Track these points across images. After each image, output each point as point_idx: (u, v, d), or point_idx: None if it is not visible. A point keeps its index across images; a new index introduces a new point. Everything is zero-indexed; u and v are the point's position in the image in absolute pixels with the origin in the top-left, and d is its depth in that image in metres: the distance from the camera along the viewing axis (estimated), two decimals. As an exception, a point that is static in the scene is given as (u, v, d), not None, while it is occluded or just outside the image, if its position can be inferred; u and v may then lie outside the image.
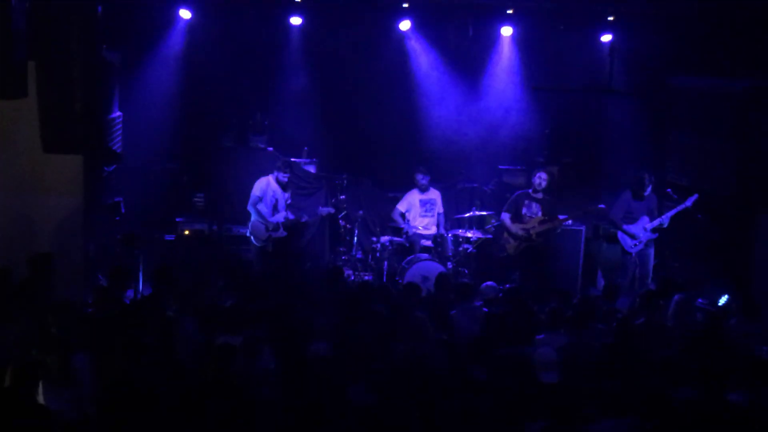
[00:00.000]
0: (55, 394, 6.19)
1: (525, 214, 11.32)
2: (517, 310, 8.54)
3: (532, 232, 11.23)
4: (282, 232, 11.26)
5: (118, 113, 11.47)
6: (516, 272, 11.35)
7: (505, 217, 11.41)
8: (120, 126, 11.48)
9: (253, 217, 11.20)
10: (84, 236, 9.63)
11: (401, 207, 12.08)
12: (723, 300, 10.29)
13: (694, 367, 6.73)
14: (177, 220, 11.82)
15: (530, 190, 11.38)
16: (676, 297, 8.46)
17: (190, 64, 12.56)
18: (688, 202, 10.93)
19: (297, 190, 12.14)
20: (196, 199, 12.15)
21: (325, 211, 11.85)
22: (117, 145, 11.25)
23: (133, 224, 11.19)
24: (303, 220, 11.56)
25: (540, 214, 11.28)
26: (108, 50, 10.50)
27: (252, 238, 11.26)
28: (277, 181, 11.23)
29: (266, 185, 11.21)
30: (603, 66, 12.51)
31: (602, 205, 11.07)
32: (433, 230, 12.06)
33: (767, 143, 10.42)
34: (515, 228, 11.28)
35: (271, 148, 12.60)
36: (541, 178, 11.24)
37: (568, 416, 5.56)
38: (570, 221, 11.57)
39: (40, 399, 6.15)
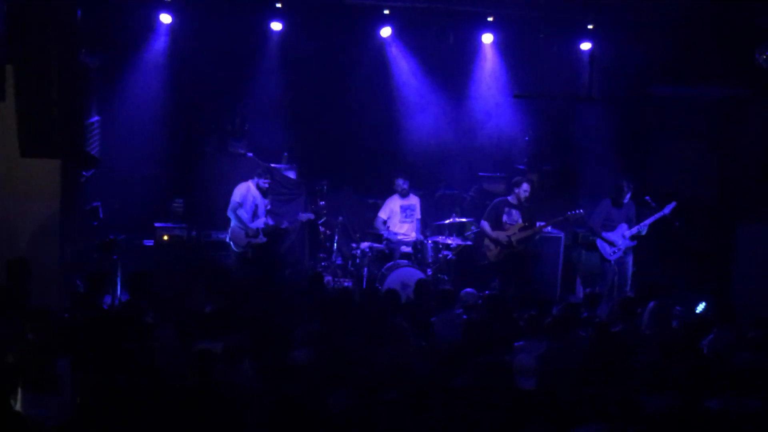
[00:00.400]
0: (36, 400, 6.12)
1: (505, 221, 11.34)
2: (497, 317, 8.55)
3: (513, 239, 11.25)
4: (262, 238, 11.23)
5: (97, 118, 11.40)
6: (497, 279, 11.37)
7: (485, 224, 11.41)
8: (98, 131, 11.40)
9: (233, 223, 11.16)
10: (61, 241, 9.53)
11: (383, 215, 12.10)
12: (700, 307, 10.38)
13: (671, 375, 6.76)
14: (156, 225, 11.74)
15: (511, 198, 11.39)
16: (651, 304, 8.50)
17: (170, 69, 12.50)
18: (666, 210, 11.01)
19: (276, 195, 12.11)
20: (175, 205, 12.08)
21: (305, 216, 11.82)
22: (95, 150, 11.19)
23: (111, 229, 11.13)
24: (283, 226, 11.52)
25: (520, 221, 11.31)
26: (87, 54, 10.43)
27: (231, 243, 11.22)
28: (258, 187, 11.21)
29: (246, 191, 11.18)
30: (583, 74, 12.59)
31: (581, 210, 11.09)
32: (413, 236, 12.07)
33: (746, 152, 10.50)
34: (496, 235, 11.30)
35: (251, 154, 12.56)
36: (525, 190, 11.24)
37: (546, 423, 5.57)
38: (549, 228, 11.61)
39: (18, 406, 6.09)
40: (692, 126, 11.62)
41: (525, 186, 11.28)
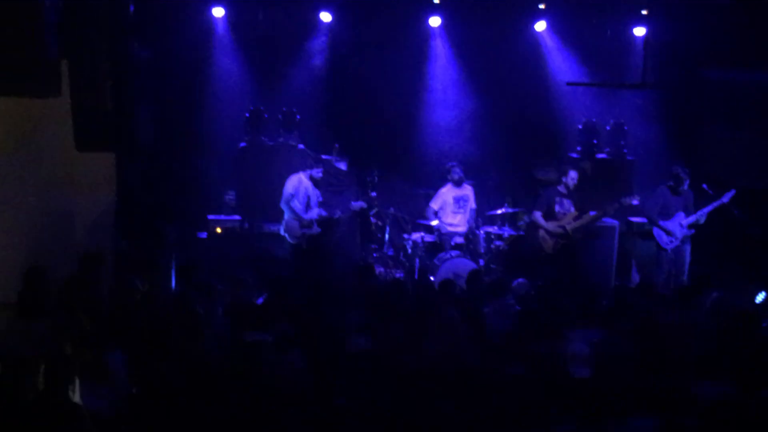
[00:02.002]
0: (93, 391, 6.21)
1: (558, 211, 11.20)
2: (550, 306, 8.44)
3: (568, 228, 11.10)
4: (316, 229, 11.26)
5: (152, 110, 11.52)
6: (552, 269, 11.19)
7: (538, 215, 11.27)
8: (153, 123, 11.52)
9: (287, 215, 11.20)
10: (117, 234, 9.68)
11: (435, 205, 12.02)
12: (760, 297, 10.13)
13: (727, 364, 6.62)
14: (209, 217, 11.84)
15: (561, 187, 11.24)
16: (713, 295, 8.32)
17: (221, 61, 12.60)
18: (725, 198, 10.78)
19: (327, 186, 12.11)
20: (227, 197, 12.17)
21: (357, 205, 11.79)
22: (150, 143, 11.31)
23: (165, 221, 11.24)
24: (336, 216, 11.52)
25: (573, 210, 11.16)
26: (140, 47, 10.54)
27: (287, 235, 11.25)
28: (311, 178, 11.24)
29: (298, 183, 11.22)
30: (636, 60, 12.37)
31: (636, 202, 10.90)
32: (465, 227, 11.99)
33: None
34: (551, 225, 11.16)
35: (302, 146, 12.58)
36: (572, 178, 11.11)
37: (600, 412, 5.49)
38: (605, 216, 11.43)
39: (76, 397, 6.18)
40: (748, 110, 11.34)
41: (572, 174, 11.13)
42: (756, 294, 10.22)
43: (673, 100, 12.63)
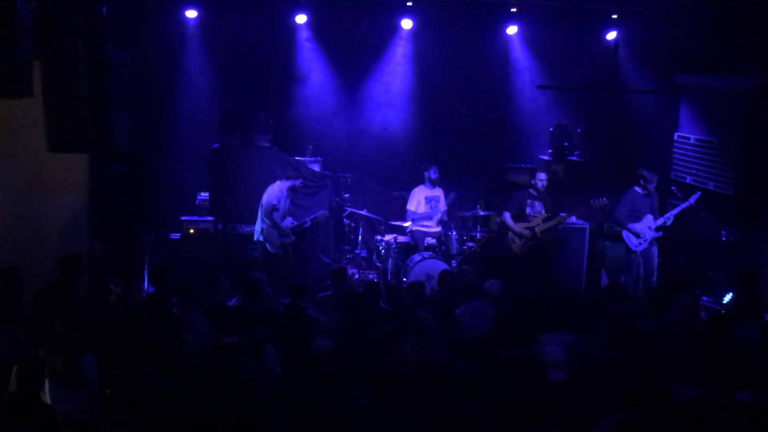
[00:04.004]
0: (64, 395, 6.19)
1: (529, 213, 11.31)
2: (523, 308, 8.54)
3: (537, 230, 11.23)
4: (291, 237, 11.31)
5: (125, 112, 11.47)
6: (522, 271, 11.33)
7: (507, 216, 11.38)
8: (126, 125, 11.47)
9: (266, 224, 11.19)
10: (89, 236, 9.62)
11: (412, 207, 12.08)
12: (727, 298, 10.31)
13: (700, 366, 6.73)
14: (182, 219, 11.82)
15: (531, 190, 11.35)
16: (682, 296, 8.45)
17: (195, 63, 12.57)
18: (691, 200, 10.96)
19: (301, 188, 12.13)
20: (200, 198, 12.15)
21: (321, 215, 11.86)
22: (123, 144, 11.25)
23: (138, 223, 11.20)
24: (306, 225, 11.58)
25: (543, 211, 11.28)
26: (114, 49, 10.50)
27: (267, 244, 11.26)
28: (291, 188, 11.27)
29: (279, 193, 11.22)
30: (609, 64, 12.52)
31: (604, 199, 11.03)
32: (437, 228, 12.07)
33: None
34: (519, 227, 11.27)
35: (276, 148, 12.56)
36: (541, 180, 11.23)
37: (576, 414, 5.57)
38: (574, 218, 11.57)
39: (47, 399, 6.16)
40: (719, 115, 11.49)
41: (541, 176, 11.25)
42: (723, 295, 10.42)
43: (646, 103, 12.78)
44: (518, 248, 11.34)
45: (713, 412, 5.28)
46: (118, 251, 10.52)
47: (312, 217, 11.77)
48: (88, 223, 9.63)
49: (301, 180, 11.41)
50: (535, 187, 11.29)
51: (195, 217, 11.92)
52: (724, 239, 11.27)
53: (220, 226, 12.01)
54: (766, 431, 5.39)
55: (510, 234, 11.38)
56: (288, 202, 11.39)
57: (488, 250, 12.14)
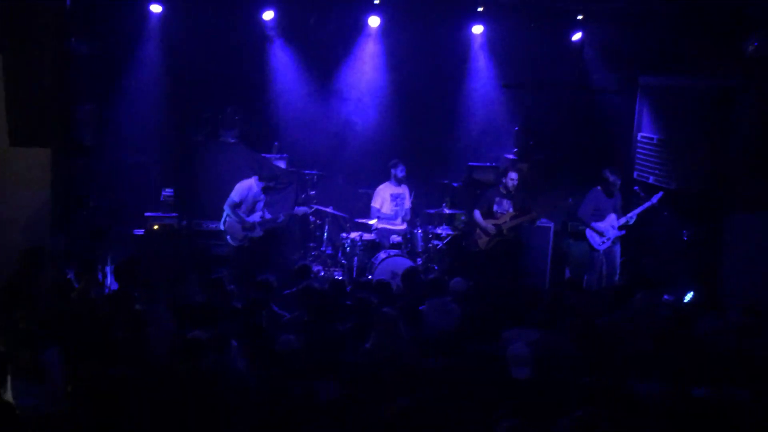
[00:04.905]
0: (27, 389, 6.14)
1: (496, 211, 11.41)
2: (488, 305, 8.59)
3: (503, 227, 11.31)
4: (258, 231, 11.25)
5: (88, 106, 11.36)
6: (487, 267, 11.39)
7: (477, 213, 11.49)
8: (89, 119, 11.36)
9: (230, 217, 11.15)
10: (52, 230, 9.53)
11: (375, 204, 12.10)
12: (689, 296, 10.45)
13: (660, 363, 6.82)
14: (146, 214, 11.73)
15: (500, 188, 11.45)
16: (644, 294, 8.55)
17: (161, 58, 12.46)
18: (654, 200, 11.09)
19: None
20: (165, 194, 12.07)
21: (301, 211, 11.82)
22: (86, 139, 11.15)
23: (101, 218, 11.10)
24: (279, 220, 11.50)
25: (511, 210, 11.37)
26: (77, 43, 10.40)
27: (228, 237, 11.22)
28: (262, 189, 11.24)
29: (248, 191, 11.17)
30: (574, 64, 12.64)
31: (569, 199, 11.15)
32: (403, 226, 12.10)
33: (734, 142, 10.52)
34: (486, 224, 11.37)
35: (242, 144, 12.50)
36: (512, 179, 11.32)
37: (539, 411, 5.61)
38: (541, 217, 11.67)
39: (9, 395, 6.10)
40: (682, 115, 11.64)
41: (512, 175, 11.34)
42: (685, 293, 10.56)
43: (609, 104, 12.92)
44: (484, 244, 11.43)
45: (671, 408, 5.35)
46: (82, 246, 10.44)
47: (287, 213, 11.72)
48: (51, 217, 9.53)
49: (273, 183, 11.38)
50: (505, 185, 11.37)
51: (159, 213, 11.83)
52: (685, 238, 11.42)
53: (184, 222, 11.95)
54: (721, 426, 5.48)
55: (477, 230, 11.48)
56: (262, 196, 11.34)
57: (454, 248, 12.20)
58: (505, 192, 11.40)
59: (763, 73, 10.04)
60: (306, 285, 8.93)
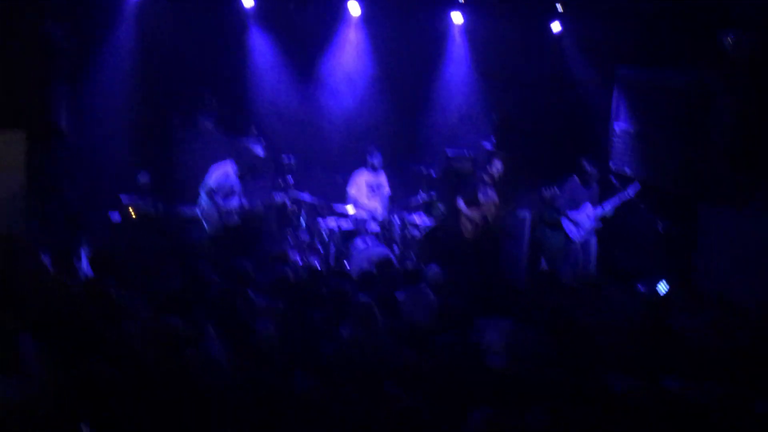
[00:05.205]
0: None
1: (481, 199, 11.38)
2: (464, 294, 8.63)
3: (489, 216, 11.31)
4: (235, 219, 11.16)
5: (64, 89, 11.25)
6: (471, 256, 11.38)
7: (460, 202, 11.47)
8: (65, 102, 11.25)
9: (206, 203, 11.09)
10: (27, 215, 9.45)
11: (351, 191, 12.11)
12: (663, 288, 10.55)
13: (633, 356, 6.89)
14: (121, 198, 11.64)
15: (485, 176, 11.43)
16: (619, 286, 8.63)
17: (137, 41, 12.34)
18: (630, 191, 11.15)
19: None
20: (141, 178, 11.98)
21: (279, 197, 11.76)
22: (61, 122, 11.04)
23: (76, 202, 11.02)
24: (257, 207, 11.43)
25: (496, 199, 11.36)
26: (52, 25, 10.27)
27: (204, 222, 11.16)
28: (236, 174, 11.17)
29: (224, 176, 11.07)
30: (552, 55, 12.67)
31: (555, 188, 11.13)
32: (380, 213, 12.11)
33: (710, 135, 10.61)
34: (472, 213, 11.35)
35: (219, 130, 12.44)
36: (497, 168, 11.33)
37: (513, 401, 5.66)
38: (519, 207, 11.68)
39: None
40: (658, 108, 11.71)
41: (497, 163, 11.35)
42: (660, 285, 10.65)
43: (587, 94, 12.97)
44: (469, 233, 11.41)
45: (644, 401, 5.41)
46: (56, 230, 10.36)
47: (265, 200, 11.67)
48: (26, 201, 9.45)
49: (251, 174, 11.33)
50: (490, 174, 11.37)
51: (135, 197, 11.75)
52: (660, 230, 11.51)
53: (161, 206, 11.88)
54: (693, 419, 5.54)
55: (462, 219, 11.45)
56: (238, 183, 11.28)
57: (432, 237, 12.21)
58: (489, 180, 11.39)
59: (741, 70, 10.11)
60: (282, 273, 8.94)
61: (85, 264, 9.76)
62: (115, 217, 11.49)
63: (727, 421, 5.60)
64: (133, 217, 11.49)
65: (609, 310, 8.30)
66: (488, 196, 11.40)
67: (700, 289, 9.32)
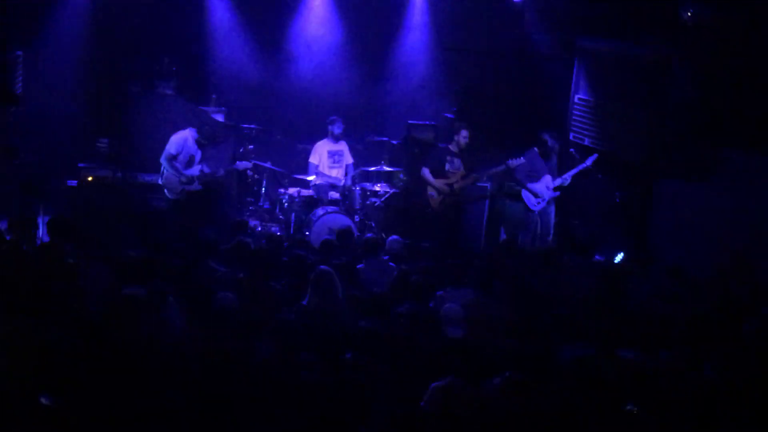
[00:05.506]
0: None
1: (448, 169, 11.36)
2: (424, 264, 8.69)
3: (455, 186, 11.32)
4: (197, 186, 11.05)
5: (18, 53, 11.04)
6: (436, 227, 11.37)
7: (426, 172, 11.39)
8: (20, 66, 11.06)
9: (167, 170, 10.99)
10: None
11: (314, 160, 12.08)
12: (619, 257, 10.71)
13: (588, 325, 7.00)
14: (79, 165, 11.50)
15: (452, 146, 11.40)
16: (575, 255, 8.73)
17: (95, 6, 12.17)
18: (588, 162, 11.25)
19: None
20: (99, 145, 11.84)
21: (242, 165, 11.63)
22: (17, 87, 10.86)
23: (33, 169, 10.87)
24: (219, 174, 11.30)
25: (462, 169, 11.35)
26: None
27: (166, 190, 11.05)
28: (197, 141, 11.02)
29: (183, 142, 10.91)
30: (514, 26, 12.68)
31: (522, 159, 11.09)
32: (341, 182, 12.11)
33: (670, 109, 10.70)
34: (439, 183, 11.31)
35: (179, 96, 12.30)
36: (464, 137, 11.30)
37: (472, 371, 5.73)
38: (483, 178, 11.70)
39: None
40: (620, 80, 11.77)
41: (464, 133, 11.31)
42: (615, 254, 10.81)
43: (547, 66, 13.01)
44: (436, 204, 11.36)
45: (597, 371, 5.50)
46: (13, 197, 10.23)
47: (227, 167, 11.55)
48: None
49: (211, 144, 11.21)
50: (457, 143, 11.34)
51: (93, 164, 11.61)
52: (617, 200, 11.65)
53: (119, 174, 11.75)
54: (645, 387, 5.66)
55: (429, 189, 11.39)
56: (198, 150, 11.15)
57: (394, 206, 12.24)
58: (457, 150, 11.37)
59: (699, 42, 10.20)
60: (242, 240, 8.92)
61: (41, 229, 9.66)
62: (73, 184, 11.35)
63: (679, 387, 5.73)
64: (92, 184, 11.35)
65: (566, 280, 8.38)
66: (455, 166, 11.38)
67: (653, 258, 9.46)
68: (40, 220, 10.02)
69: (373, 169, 12.23)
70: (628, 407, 5.35)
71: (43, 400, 5.13)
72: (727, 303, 7.70)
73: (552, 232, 11.52)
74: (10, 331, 6.07)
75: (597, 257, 10.56)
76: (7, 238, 8.30)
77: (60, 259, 7.59)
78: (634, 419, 5.31)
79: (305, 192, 11.94)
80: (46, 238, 9.16)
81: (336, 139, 12.07)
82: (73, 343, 5.80)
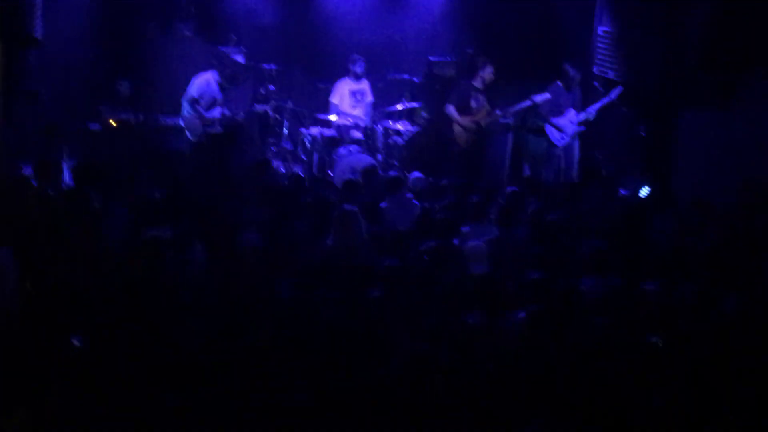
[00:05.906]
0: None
1: (473, 106, 11.23)
2: (448, 201, 8.66)
3: (483, 123, 11.21)
4: (218, 128, 11.03)
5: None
6: (463, 164, 11.29)
7: (451, 109, 11.27)
8: (39, 10, 10.99)
9: (188, 113, 10.97)
10: (2, 124, 9.33)
11: (335, 100, 11.99)
12: (644, 191, 10.61)
13: (612, 259, 6.97)
14: (101, 108, 11.48)
15: (476, 82, 11.26)
16: (599, 189, 8.66)
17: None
18: (612, 95, 11.07)
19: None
20: (121, 87, 11.80)
21: (261, 108, 11.60)
22: (36, 31, 10.81)
23: (55, 113, 10.87)
24: (239, 117, 11.27)
25: (487, 105, 11.23)
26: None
27: (187, 132, 11.05)
28: (219, 84, 10.98)
29: (206, 85, 10.89)
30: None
31: (547, 95, 10.95)
32: (363, 121, 12.03)
33: (693, 38, 10.49)
34: (465, 120, 11.20)
35: (198, 37, 12.21)
36: (489, 72, 11.15)
37: (497, 305, 5.75)
38: (507, 115, 11.55)
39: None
40: (639, 8, 11.51)
41: (489, 69, 11.16)
42: (640, 188, 10.71)
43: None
44: (463, 141, 11.27)
45: (620, 303, 5.50)
46: (36, 141, 10.25)
47: (247, 109, 11.52)
48: (2, 111, 9.32)
49: (233, 84, 11.15)
50: (482, 79, 11.20)
51: (115, 107, 11.60)
52: (643, 134, 11.49)
53: (141, 116, 11.74)
54: (669, 319, 5.65)
55: (455, 127, 11.28)
56: (220, 93, 11.11)
57: (414, 144, 12.14)
58: (481, 86, 11.22)
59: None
60: (266, 182, 8.94)
61: (66, 175, 9.72)
62: (95, 127, 11.36)
63: (700, 319, 5.72)
64: (114, 127, 11.36)
65: (591, 214, 8.33)
66: (480, 102, 11.24)
67: (678, 190, 9.37)
68: (64, 164, 10.07)
69: (397, 107, 12.07)
70: (653, 339, 5.36)
71: (74, 342, 5.21)
72: (751, 235, 7.64)
73: (576, 167, 11.42)
74: (39, 276, 6.16)
75: (622, 191, 10.49)
76: (34, 183, 8.34)
77: (85, 204, 7.63)
78: (659, 351, 5.32)
79: (327, 132, 11.88)
80: (71, 182, 9.23)
81: (357, 77, 11.97)
82: (96, 285, 5.86)
